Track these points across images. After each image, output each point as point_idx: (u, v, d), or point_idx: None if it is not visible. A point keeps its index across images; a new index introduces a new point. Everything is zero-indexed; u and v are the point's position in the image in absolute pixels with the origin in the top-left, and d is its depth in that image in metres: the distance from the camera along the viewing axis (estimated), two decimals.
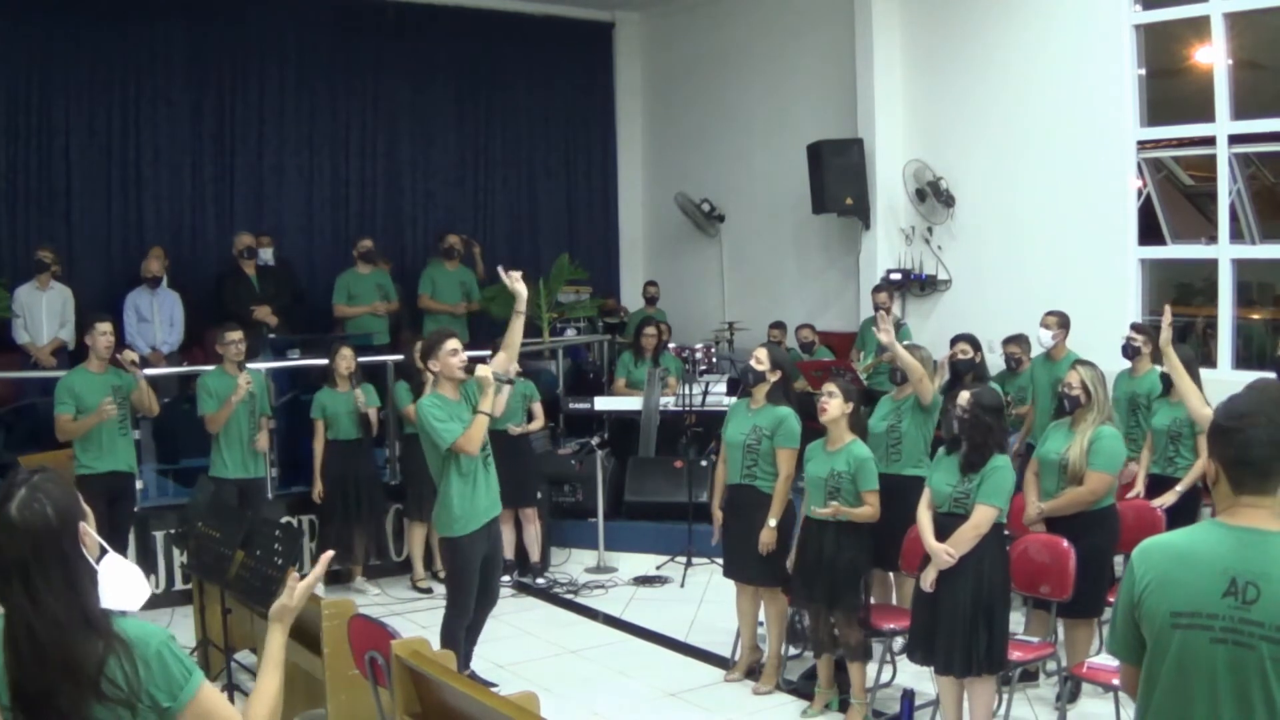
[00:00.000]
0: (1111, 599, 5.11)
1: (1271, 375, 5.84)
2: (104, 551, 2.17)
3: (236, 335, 6.69)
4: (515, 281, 5.18)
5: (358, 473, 7.15)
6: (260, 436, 6.76)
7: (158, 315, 8.59)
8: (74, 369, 6.41)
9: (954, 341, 6.75)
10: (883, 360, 6.27)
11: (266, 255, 9.46)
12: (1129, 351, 6.35)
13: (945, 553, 4.38)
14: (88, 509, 2.16)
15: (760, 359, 5.44)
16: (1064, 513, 4.97)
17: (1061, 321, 7.00)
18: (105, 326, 6.34)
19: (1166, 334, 5.16)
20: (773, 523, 5.28)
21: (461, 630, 5.18)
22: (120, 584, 2.18)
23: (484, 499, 5.13)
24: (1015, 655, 4.55)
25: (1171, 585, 2.19)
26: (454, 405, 5.06)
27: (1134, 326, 6.58)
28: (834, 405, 4.98)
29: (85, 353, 6.47)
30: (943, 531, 4.46)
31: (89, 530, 2.14)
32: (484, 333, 10.00)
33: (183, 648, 2.18)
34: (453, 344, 5.12)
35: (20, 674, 2.01)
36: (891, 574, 5.74)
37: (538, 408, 7.43)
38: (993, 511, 4.38)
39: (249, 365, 6.87)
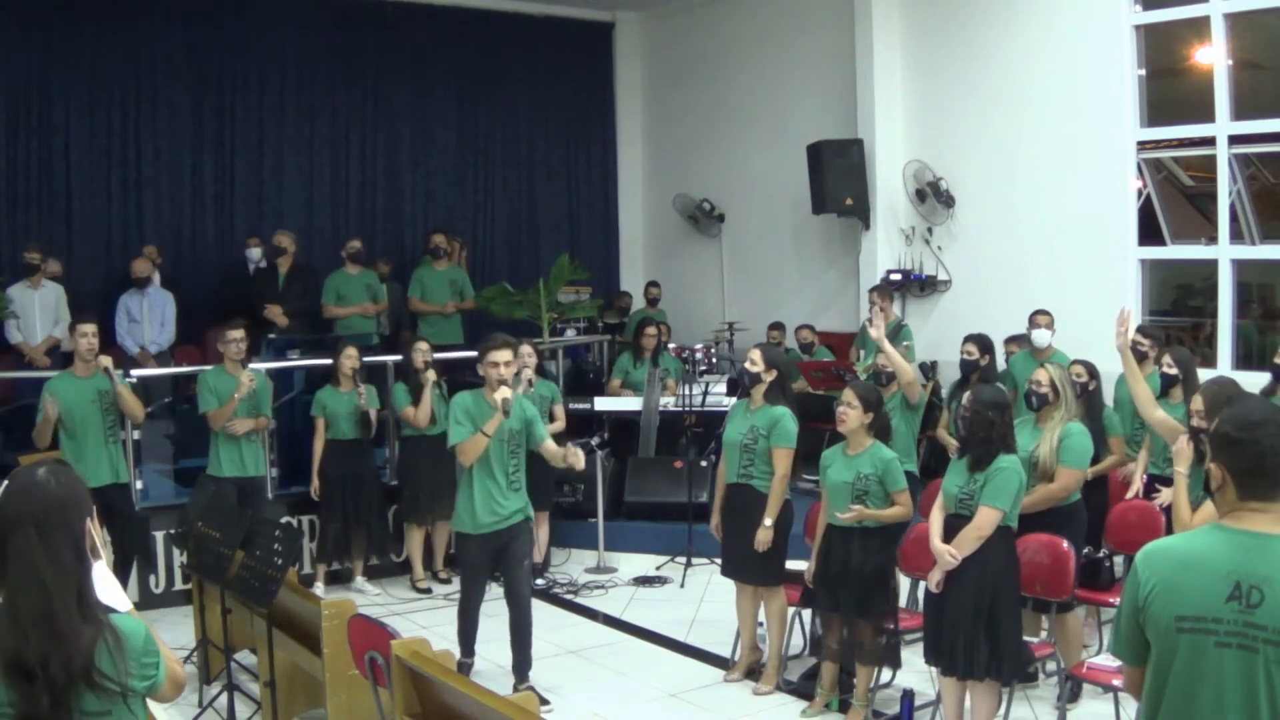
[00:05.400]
0: (1112, 598, 5.14)
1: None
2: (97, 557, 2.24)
3: (238, 334, 6.66)
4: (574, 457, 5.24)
5: (357, 472, 7.13)
6: (238, 423, 6.56)
7: (147, 315, 8.59)
8: (61, 373, 6.34)
9: (963, 341, 6.75)
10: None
11: (255, 254, 9.51)
12: (1136, 355, 6.33)
13: (948, 554, 4.37)
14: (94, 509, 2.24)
15: (755, 360, 5.43)
16: (1036, 509, 4.95)
17: (1053, 319, 7.08)
18: (86, 328, 6.18)
19: (1124, 338, 5.21)
20: (768, 521, 5.26)
21: (467, 614, 5.47)
22: (108, 588, 2.25)
23: (496, 512, 5.24)
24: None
25: (1176, 590, 2.19)
26: (486, 409, 5.18)
27: (1140, 330, 6.58)
28: (853, 416, 4.90)
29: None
30: (951, 533, 4.45)
31: (94, 529, 2.21)
32: (482, 332, 9.98)
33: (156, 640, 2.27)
34: (496, 356, 5.23)
35: (18, 639, 2.05)
36: None
37: (559, 409, 7.41)
38: (996, 514, 4.36)
39: (252, 365, 6.87)
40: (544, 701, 5.22)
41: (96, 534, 2.22)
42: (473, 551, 5.34)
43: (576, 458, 5.24)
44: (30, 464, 2.23)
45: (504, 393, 5.13)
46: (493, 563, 5.42)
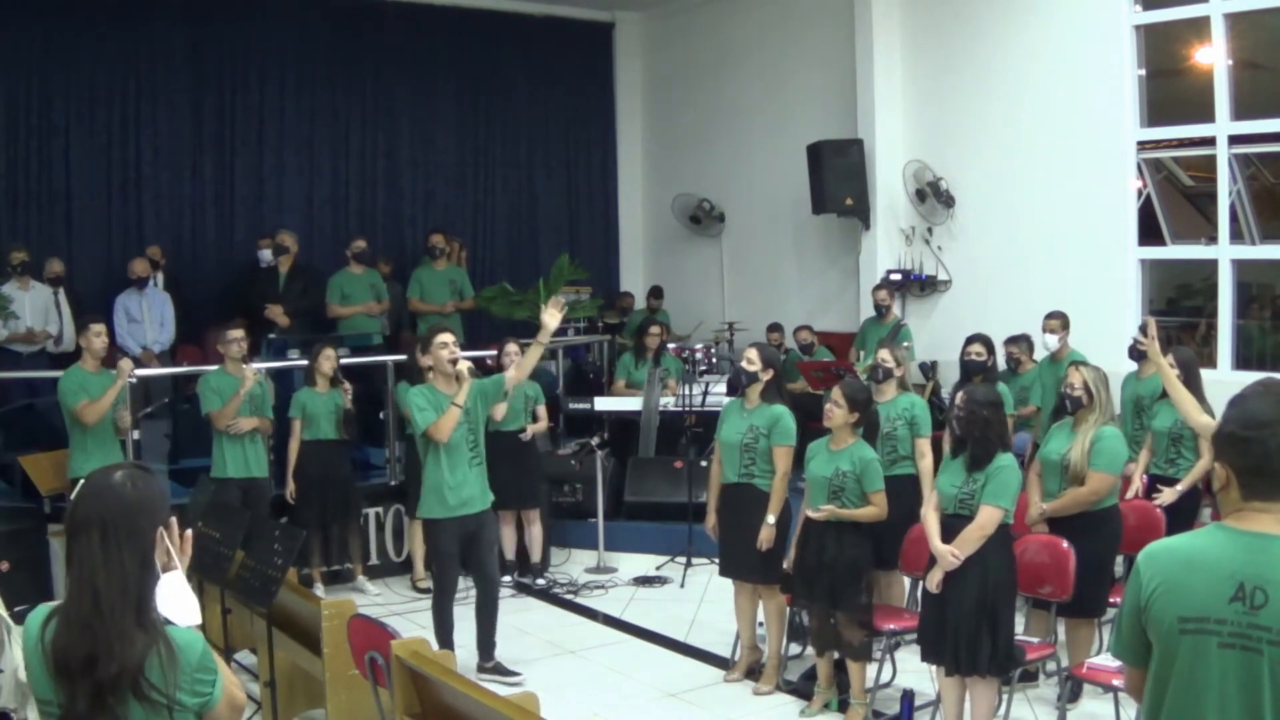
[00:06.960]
0: (1113, 599, 5.13)
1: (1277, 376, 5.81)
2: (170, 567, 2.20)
3: (238, 334, 6.70)
4: (550, 311, 5.40)
5: (337, 473, 7.10)
6: (243, 421, 6.59)
7: (148, 315, 8.59)
8: (70, 369, 6.39)
9: (968, 342, 6.74)
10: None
11: (266, 255, 9.49)
12: (1135, 354, 6.34)
13: (951, 554, 4.36)
14: (173, 520, 2.20)
15: (751, 359, 5.44)
16: (1066, 513, 4.97)
17: (1064, 323, 7.09)
18: (99, 328, 6.38)
19: (1155, 346, 5.21)
20: (771, 519, 5.27)
21: (446, 606, 5.57)
22: (176, 599, 2.18)
23: (464, 492, 5.46)
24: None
25: (1178, 590, 2.18)
26: (441, 397, 5.43)
27: (1142, 329, 6.58)
28: (837, 415, 4.96)
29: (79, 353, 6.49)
30: (948, 533, 4.44)
31: (167, 537, 2.16)
32: (482, 332, 10.01)
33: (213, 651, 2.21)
34: (443, 338, 5.48)
35: (69, 639, 2.04)
36: (879, 573, 5.72)
37: (541, 410, 7.43)
38: (998, 512, 4.37)
39: (253, 365, 6.87)
40: (513, 673, 5.59)
41: (172, 543, 2.16)
42: (445, 538, 5.48)
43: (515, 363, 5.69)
44: (110, 466, 2.19)
45: (464, 363, 5.39)
46: (463, 549, 5.56)
